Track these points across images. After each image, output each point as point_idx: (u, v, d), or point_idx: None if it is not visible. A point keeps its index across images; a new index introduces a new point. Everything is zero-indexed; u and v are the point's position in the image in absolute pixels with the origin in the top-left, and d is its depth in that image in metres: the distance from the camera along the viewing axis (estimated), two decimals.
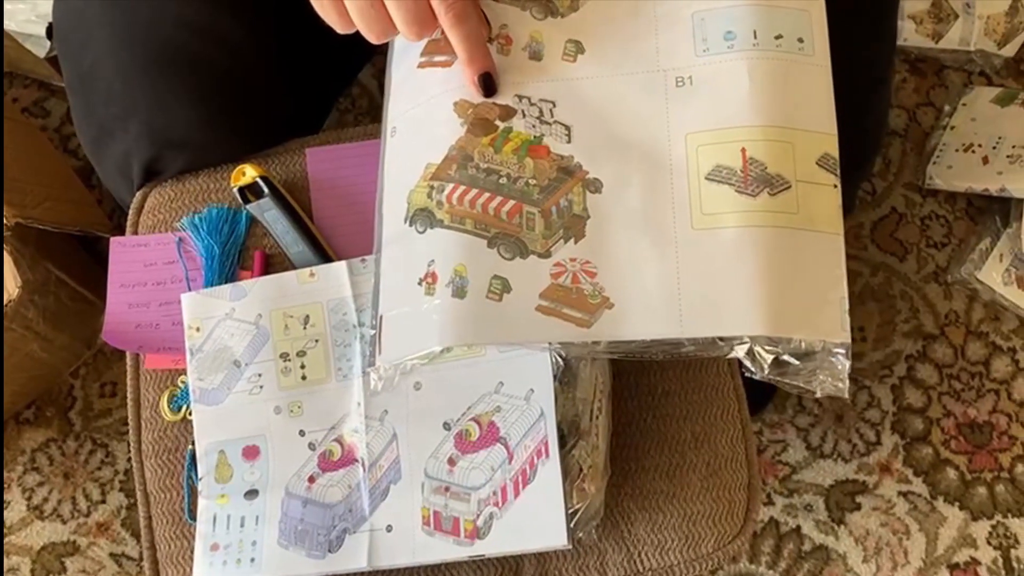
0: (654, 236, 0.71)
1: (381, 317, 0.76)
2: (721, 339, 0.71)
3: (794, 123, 0.73)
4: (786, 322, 0.69)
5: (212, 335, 0.80)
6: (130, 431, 0.84)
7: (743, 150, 0.72)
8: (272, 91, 0.88)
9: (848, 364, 0.71)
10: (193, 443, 0.79)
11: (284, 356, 0.78)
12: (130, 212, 0.90)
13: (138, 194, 0.91)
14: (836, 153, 0.73)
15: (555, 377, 0.76)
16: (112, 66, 0.83)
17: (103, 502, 1.41)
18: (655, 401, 0.85)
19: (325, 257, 0.84)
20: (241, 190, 0.85)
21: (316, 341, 0.79)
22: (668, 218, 0.72)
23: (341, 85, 1.08)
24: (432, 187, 0.75)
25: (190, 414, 0.81)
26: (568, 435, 0.76)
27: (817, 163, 0.72)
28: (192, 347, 0.80)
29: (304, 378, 0.79)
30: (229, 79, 0.85)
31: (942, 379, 1.43)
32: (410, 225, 0.75)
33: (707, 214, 0.71)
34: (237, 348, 0.79)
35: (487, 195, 0.74)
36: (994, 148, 1.43)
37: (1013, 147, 1.41)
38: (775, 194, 0.71)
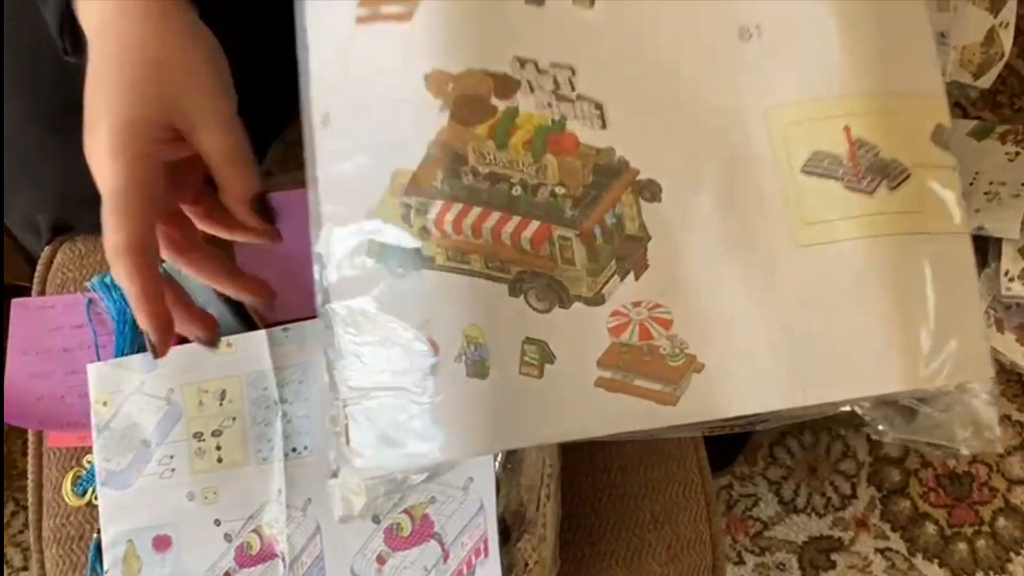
0: (745, 259, 0.49)
1: (346, 412, 0.50)
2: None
3: (899, 85, 0.53)
4: (935, 368, 0.50)
5: (120, 411, 0.74)
6: (30, 515, 0.79)
7: (847, 129, 0.51)
8: None
9: (996, 408, 0.53)
10: (98, 531, 0.73)
11: (198, 435, 0.73)
12: (37, 269, 0.82)
13: (46, 249, 0.81)
14: (949, 122, 0.53)
15: (497, 462, 0.66)
16: (18, 119, 0.77)
17: (24, 568, 1.33)
18: (611, 478, 0.76)
19: (248, 321, 0.74)
20: None
21: (233, 419, 0.73)
22: (761, 232, 0.50)
23: (276, 127, 0.93)
24: (410, 207, 0.49)
25: (96, 498, 0.75)
26: (512, 527, 0.68)
27: (931, 138, 0.52)
28: (99, 424, 0.74)
29: (220, 460, 0.73)
30: None
31: None
32: (377, 261, 0.49)
33: (812, 223, 0.50)
34: (147, 426, 0.74)
35: (497, 215, 0.49)
36: (971, 184, 1.32)
37: (991, 183, 1.30)
38: (895, 187, 0.51)
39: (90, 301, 0.81)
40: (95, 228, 0.69)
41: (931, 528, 1.35)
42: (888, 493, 1.37)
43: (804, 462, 1.37)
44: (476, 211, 0.49)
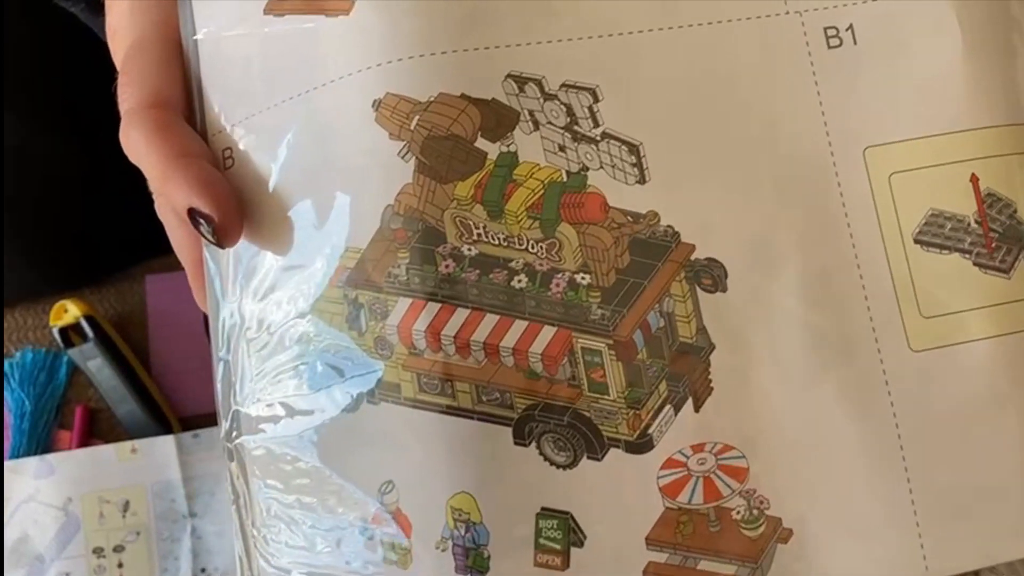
0: (845, 374, 0.34)
1: None
2: None
3: None
4: None
5: (12, 521, 0.70)
6: None
7: (974, 178, 0.35)
8: (104, 210, 0.78)
9: None
10: None
11: (98, 551, 0.70)
12: None
13: None
14: None
15: None
16: None
17: None
18: None
19: (161, 419, 0.73)
20: (63, 331, 0.76)
21: (137, 534, 0.70)
22: (861, 332, 0.34)
23: None
24: (359, 305, 0.32)
25: None
26: None
27: None
28: None
29: None
30: (48, 203, 0.77)
31: None
32: (314, 386, 0.32)
33: (932, 317, 0.35)
34: (41, 539, 0.70)
35: (492, 320, 0.33)
36: None
37: None
38: None
39: None
40: None
41: None
42: None
43: None
44: (461, 315, 0.32)
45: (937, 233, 0.36)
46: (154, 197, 0.39)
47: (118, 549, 0.71)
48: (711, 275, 0.34)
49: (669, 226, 0.34)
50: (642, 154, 0.34)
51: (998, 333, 0.35)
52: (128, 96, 0.37)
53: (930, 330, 0.35)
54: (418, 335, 0.33)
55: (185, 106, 0.38)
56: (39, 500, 0.72)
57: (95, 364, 0.77)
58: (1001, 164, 0.36)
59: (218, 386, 0.37)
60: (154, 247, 0.80)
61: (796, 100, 0.35)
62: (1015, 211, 0.36)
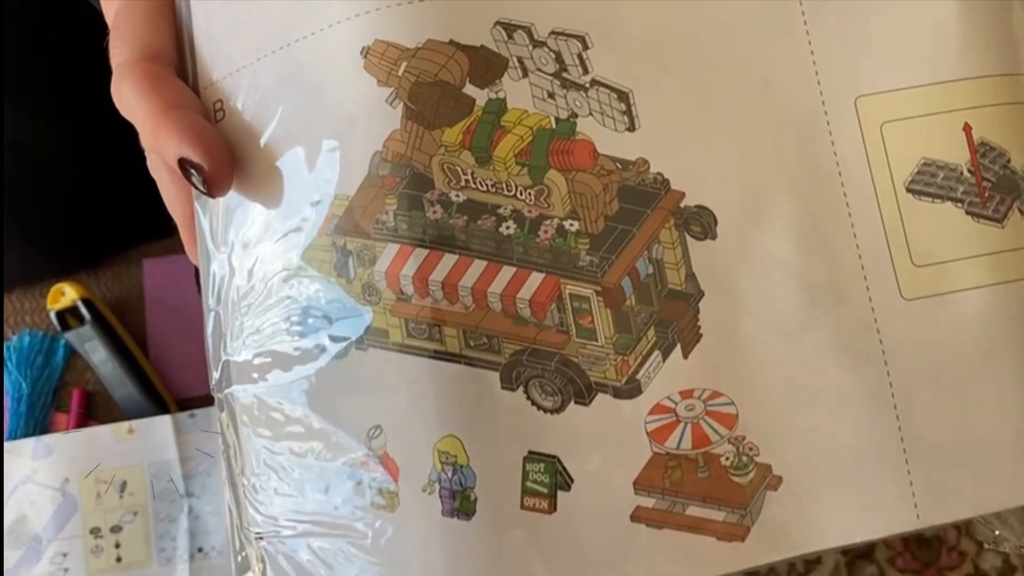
0: (836, 321, 0.34)
1: (261, 550, 0.33)
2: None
3: None
4: None
5: (10, 502, 0.70)
6: None
7: (967, 128, 0.35)
8: (101, 196, 0.77)
9: None
10: None
11: (95, 532, 0.69)
12: None
13: None
14: None
15: None
16: None
17: None
18: None
19: (158, 402, 0.72)
20: (60, 314, 0.75)
21: (134, 514, 0.70)
22: (853, 280, 0.34)
23: None
24: (348, 252, 0.32)
25: None
26: None
27: None
28: None
29: (119, 560, 0.69)
30: (45, 187, 0.76)
31: None
32: (304, 333, 0.33)
33: (923, 266, 0.35)
34: (38, 520, 0.70)
35: (480, 266, 0.33)
36: None
37: None
38: None
39: None
40: None
41: None
42: (854, 558, 1.30)
43: None
44: (449, 260, 0.32)
45: (929, 182, 0.36)
46: (146, 154, 0.39)
47: (115, 529, 0.71)
48: (700, 222, 0.34)
49: (659, 173, 0.34)
50: (632, 101, 0.34)
51: (991, 282, 0.35)
52: (119, 51, 0.38)
53: (922, 279, 0.35)
54: (406, 281, 0.33)
55: (176, 60, 0.38)
56: (36, 481, 0.72)
57: (92, 347, 0.77)
58: (995, 114, 0.36)
59: (209, 338, 0.37)
60: (151, 232, 0.82)
61: (787, 49, 0.35)
62: (1009, 160, 0.36)
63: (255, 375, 0.35)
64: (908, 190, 0.35)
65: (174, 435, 0.71)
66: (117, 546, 0.70)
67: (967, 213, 0.36)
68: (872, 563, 1.24)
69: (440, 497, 0.32)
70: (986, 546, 0.40)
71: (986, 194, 0.36)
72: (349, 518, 0.33)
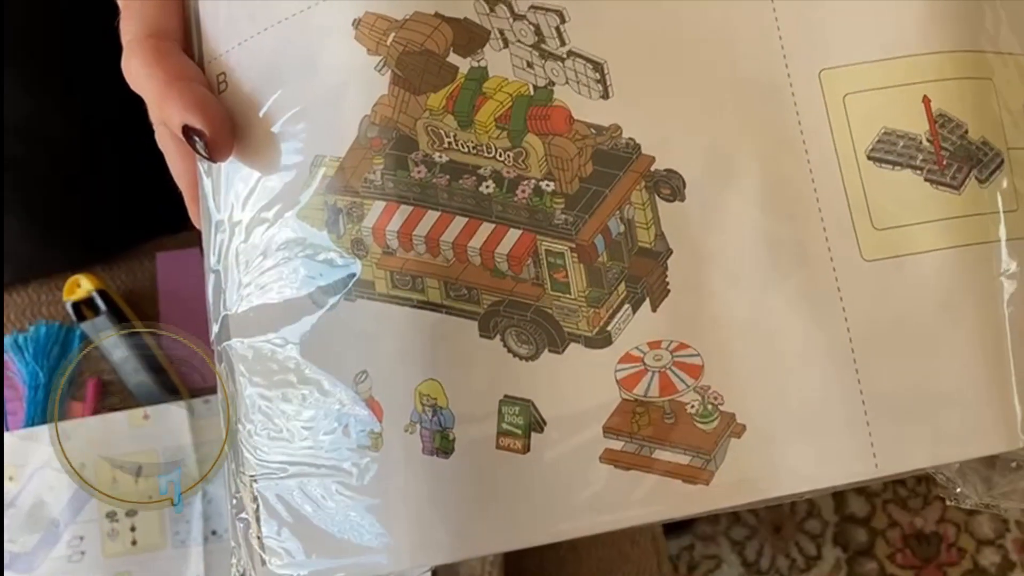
0: (796, 279, 0.36)
1: (256, 492, 0.35)
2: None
3: (991, 42, 0.39)
4: None
5: (28, 487, 0.71)
6: None
7: (926, 100, 0.37)
8: (116, 190, 0.79)
9: None
10: None
11: (111, 516, 0.70)
12: None
13: None
14: None
15: None
16: None
17: None
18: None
19: (172, 390, 0.72)
20: (75, 305, 0.76)
21: (149, 497, 0.72)
22: (816, 241, 0.36)
23: None
24: (338, 210, 0.34)
25: None
26: None
27: None
28: (4, 501, 0.70)
29: (134, 543, 0.70)
30: (58, 182, 0.76)
31: (886, 485, 1.31)
32: (297, 285, 0.35)
33: (883, 229, 0.37)
34: (56, 504, 0.71)
35: (460, 222, 0.35)
36: None
37: None
38: (987, 180, 0.38)
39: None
40: (8, 283, 0.78)
41: None
42: (854, 554, 1.32)
43: (768, 521, 1.30)
44: (431, 217, 0.35)
45: (890, 150, 0.38)
46: (154, 127, 0.41)
47: (130, 513, 0.72)
48: (670, 185, 0.36)
49: (631, 139, 0.36)
50: (606, 71, 0.36)
51: (948, 245, 0.37)
52: (128, 29, 0.40)
53: (882, 241, 0.37)
54: (391, 236, 0.35)
55: (183, 38, 0.41)
56: (53, 466, 0.72)
57: (107, 337, 0.77)
58: (954, 87, 0.38)
59: (209, 296, 0.39)
60: (164, 226, 0.84)
61: (753, 22, 0.37)
62: (966, 131, 0.38)
63: (252, 327, 0.37)
64: (869, 157, 0.37)
65: (188, 420, 0.72)
66: (132, 529, 0.71)
67: (926, 180, 0.37)
68: (872, 559, 1.25)
69: (421, 437, 0.34)
70: (948, 502, 0.42)
71: (944, 162, 0.38)
72: (337, 458, 0.35)
